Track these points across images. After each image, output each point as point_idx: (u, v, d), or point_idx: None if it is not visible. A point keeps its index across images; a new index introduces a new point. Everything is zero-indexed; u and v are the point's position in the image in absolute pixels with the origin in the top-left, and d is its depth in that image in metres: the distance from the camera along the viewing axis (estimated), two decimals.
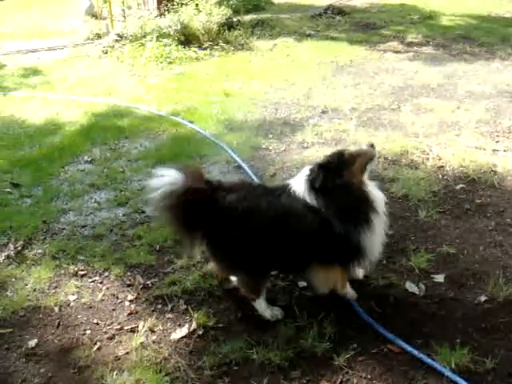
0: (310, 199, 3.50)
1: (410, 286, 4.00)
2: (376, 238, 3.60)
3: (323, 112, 7.47)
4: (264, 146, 6.44)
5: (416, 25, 13.33)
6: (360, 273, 4.04)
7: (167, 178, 3.54)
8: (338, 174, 3.49)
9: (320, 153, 6.09)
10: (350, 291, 3.88)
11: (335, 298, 3.88)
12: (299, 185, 3.58)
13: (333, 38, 12.09)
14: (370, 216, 3.54)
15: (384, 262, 4.27)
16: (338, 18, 14.45)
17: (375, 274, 4.11)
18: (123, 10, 13.14)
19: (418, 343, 3.46)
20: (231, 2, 13.71)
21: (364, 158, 3.56)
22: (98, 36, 12.43)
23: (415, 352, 3.38)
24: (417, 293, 3.95)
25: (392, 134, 6.57)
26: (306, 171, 3.62)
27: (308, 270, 3.75)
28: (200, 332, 3.67)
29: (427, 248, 4.44)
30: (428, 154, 6.04)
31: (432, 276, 4.12)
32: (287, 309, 3.81)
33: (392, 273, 4.15)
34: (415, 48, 11.04)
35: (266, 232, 3.54)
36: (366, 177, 3.61)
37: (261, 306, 3.75)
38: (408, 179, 5.48)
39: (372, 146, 3.65)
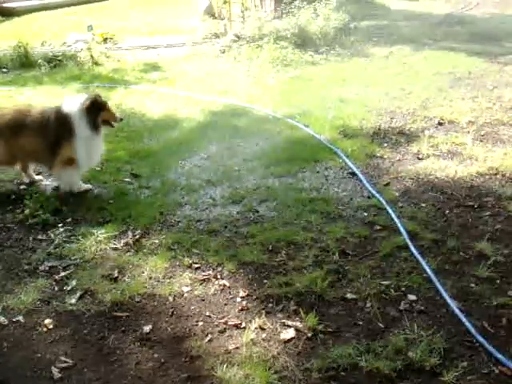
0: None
1: None
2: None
3: (439, 124, 7.34)
4: (378, 155, 6.42)
5: None
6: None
7: None
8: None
9: (435, 165, 6.04)
10: None
11: (446, 314, 3.86)
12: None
13: (451, 48, 11.83)
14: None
15: (498, 281, 4.18)
16: (456, 27, 14.15)
17: (488, 292, 4.04)
18: (242, 11, 13.35)
19: None
20: (349, 8, 13.69)
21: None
22: (216, 35, 12.68)
23: None
24: None
25: (511, 151, 6.39)
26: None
27: None
28: (309, 334, 3.70)
29: None
30: None
31: None
32: (398, 320, 3.81)
33: (506, 294, 4.04)
34: None
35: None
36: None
37: None
38: None
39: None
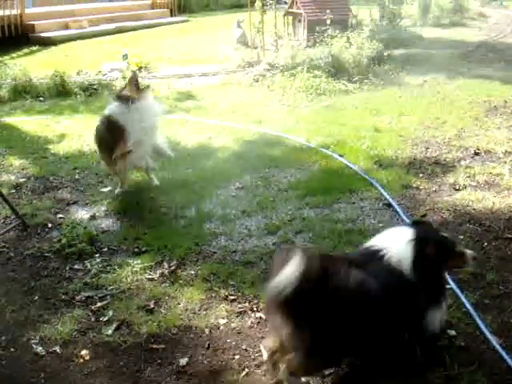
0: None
1: None
2: None
3: (475, 153, 7.26)
4: (414, 185, 6.36)
5: None
6: None
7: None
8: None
9: (473, 196, 5.96)
10: None
11: (486, 350, 3.79)
12: (401, 253, 3.38)
13: (485, 77, 11.75)
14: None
15: None
16: (490, 55, 14.09)
17: None
18: (275, 40, 13.44)
19: None
20: (382, 36, 13.73)
21: None
22: (250, 64, 12.73)
23: None
24: None
25: None
26: (407, 234, 3.46)
27: None
28: (347, 370, 3.65)
29: None
30: None
31: None
32: (437, 356, 3.74)
33: None
34: None
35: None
36: None
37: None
38: None
39: None
